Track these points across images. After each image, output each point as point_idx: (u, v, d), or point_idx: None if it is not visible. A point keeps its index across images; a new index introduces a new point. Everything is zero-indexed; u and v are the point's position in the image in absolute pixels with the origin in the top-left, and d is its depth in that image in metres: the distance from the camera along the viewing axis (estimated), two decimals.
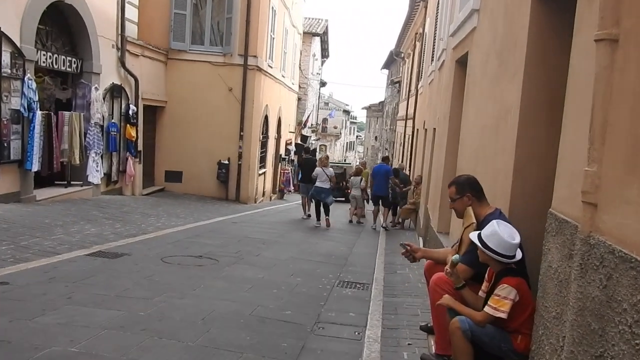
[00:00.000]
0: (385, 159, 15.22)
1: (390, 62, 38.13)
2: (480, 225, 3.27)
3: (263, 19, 16.09)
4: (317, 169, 12.40)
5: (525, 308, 2.81)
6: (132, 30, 13.33)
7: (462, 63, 6.70)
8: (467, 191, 3.47)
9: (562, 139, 2.61)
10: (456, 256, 3.12)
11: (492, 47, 4.79)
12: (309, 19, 33.87)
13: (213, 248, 7.61)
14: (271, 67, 17.99)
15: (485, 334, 2.83)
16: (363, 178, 13.63)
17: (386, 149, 40.13)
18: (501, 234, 2.90)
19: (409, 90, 23.45)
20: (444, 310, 3.14)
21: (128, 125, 12.89)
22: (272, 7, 17.32)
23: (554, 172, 3.48)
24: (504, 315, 2.76)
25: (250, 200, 16.52)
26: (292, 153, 26.22)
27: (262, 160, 18.42)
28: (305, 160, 14.31)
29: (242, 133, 15.75)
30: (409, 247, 3.88)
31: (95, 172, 11.51)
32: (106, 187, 12.35)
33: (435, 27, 12.61)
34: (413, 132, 18.59)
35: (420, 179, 12.90)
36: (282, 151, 23.16)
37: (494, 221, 3.00)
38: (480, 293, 3.11)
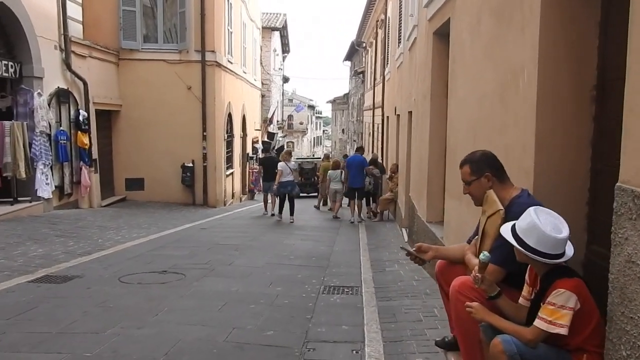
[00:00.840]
0: (360, 150, 14.45)
1: (352, 53, 37.63)
2: (506, 213, 2.57)
3: (219, 12, 15.18)
4: (280, 164, 12.27)
5: (589, 318, 2.11)
6: (76, 30, 12.29)
7: (441, 35, 6.04)
8: (485, 170, 2.76)
9: (631, 85, 1.91)
10: (485, 254, 2.39)
11: (484, 5, 4.13)
12: (267, 13, 33.01)
13: (179, 260, 6.79)
14: (231, 63, 17.11)
15: (538, 356, 2.11)
16: (343, 171, 12.98)
17: (354, 140, 39.58)
18: (543, 228, 2.18)
19: (374, 79, 22.96)
20: (474, 325, 2.42)
21: (79, 132, 11.86)
22: (228, 0, 16.43)
23: (585, 139, 2.85)
24: (564, 331, 2.05)
25: (219, 203, 15.65)
26: (260, 151, 25.41)
27: (229, 160, 17.55)
28: (266, 158, 14.36)
29: (205, 133, 14.84)
30: (414, 250, 3.14)
31: (45, 186, 10.50)
32: (59, 201, 11.32)
33: (401, 7, 12.00)
34: (383, 120, 18.03)
35: (396, 168, 12.29)
36: (249, 150, 22.31)
37: (530, 209, 2.28)
38: (521, 300, 2.41)
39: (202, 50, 14.52)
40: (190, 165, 14.79)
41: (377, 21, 22.11)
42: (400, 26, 12.15)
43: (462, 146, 4.50)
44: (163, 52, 14.65)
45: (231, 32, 17.11)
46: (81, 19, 12.72)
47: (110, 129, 14.42)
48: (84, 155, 12.05)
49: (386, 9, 17.64)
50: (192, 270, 6.16)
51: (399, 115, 12.19)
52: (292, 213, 11.94)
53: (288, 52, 39.75)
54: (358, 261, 7.22)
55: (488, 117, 3.88)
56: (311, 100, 73.42)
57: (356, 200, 12.45)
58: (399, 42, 12.29)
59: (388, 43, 16.41)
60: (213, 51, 14.70)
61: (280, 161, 12.47)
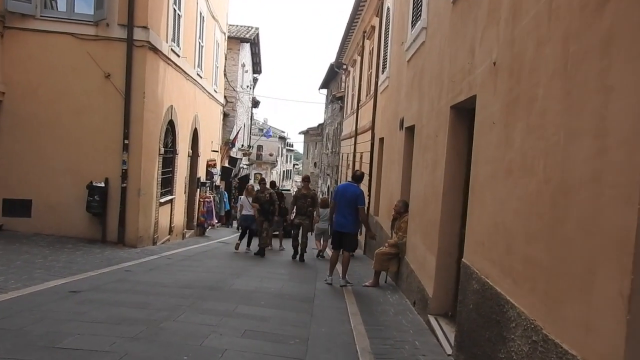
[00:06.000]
0: (357, 178, 8.46)
1: (330, 80, 34.05)
2: None
3: None
4: (242, 198, 12.48)
5: None
6: None
7: None
8: None
9: None
10: None
11: None
12: (237, 26, 29.05)
13: None
14: (177, 55, 12.81)
15: None
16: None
17: (328, 174, 35.48)
18: None
19: (358, 101, 19.26)
20: None
21: None
22: None
23: None
24: None
25: (145, 241, 11.10)
26: (218, 177, 20.97)
27: (167, 183, 13.06)
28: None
29: (126, 141, 10.37)
30: None
31: None
32: None
33: None
34: (372, 145, 13.98)
35: (403, 206, 8.07)
36: (201, 174, 17.83)
37: None
38: None
39: (129, 25, 10.20)
40: (102, 185, 10.26)
41: (364, 32, 18.57)
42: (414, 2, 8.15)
43: None
44: (71, 22, 10.25)
45: (179, 15, 12.87)
46: None
47: None
48: None
49: (382, 4, 13.84)
50: None
51: (412, 126, 8.04)
52: (249, 245, 12.35)
53: (259, 72, 35.76)
54: None
55: None
56: (283, 132, 69.78)
57: (342, 252, 8.09)
58: (415, 20, 8.27)
59: (387, 42, 12.46)
60: (145, 27, 10.37)
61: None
